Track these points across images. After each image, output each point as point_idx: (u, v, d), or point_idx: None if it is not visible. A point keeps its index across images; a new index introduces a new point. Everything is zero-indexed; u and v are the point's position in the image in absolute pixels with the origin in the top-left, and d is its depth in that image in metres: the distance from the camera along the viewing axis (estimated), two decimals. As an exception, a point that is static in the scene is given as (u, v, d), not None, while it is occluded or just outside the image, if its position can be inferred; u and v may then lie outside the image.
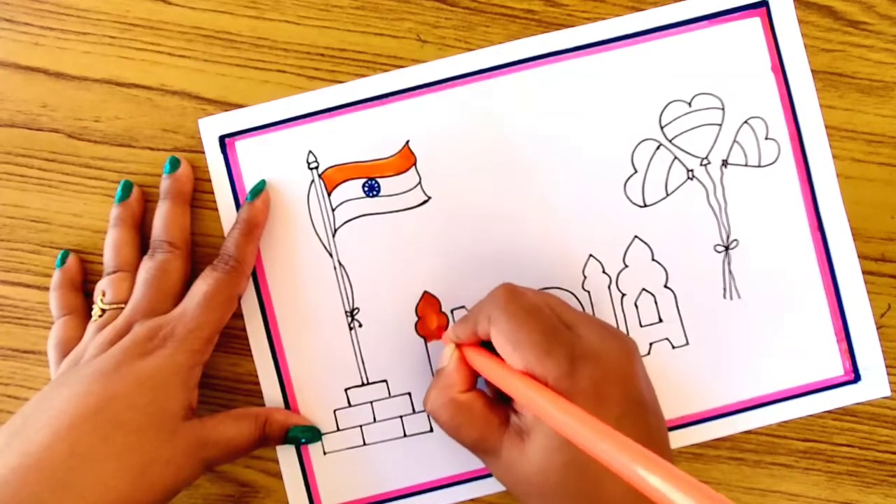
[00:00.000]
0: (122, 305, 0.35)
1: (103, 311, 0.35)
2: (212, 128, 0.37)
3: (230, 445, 0.33)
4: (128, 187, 0.37)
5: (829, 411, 0.37)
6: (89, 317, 0.36)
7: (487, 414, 0.31)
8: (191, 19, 0.37)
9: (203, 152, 0.37)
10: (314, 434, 0.36)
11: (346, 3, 0.37)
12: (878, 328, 0.37)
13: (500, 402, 0.32)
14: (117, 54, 0.37)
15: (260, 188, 0.36)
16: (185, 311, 0.33)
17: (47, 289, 0.37)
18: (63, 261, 0.37)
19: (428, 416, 0.37)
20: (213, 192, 0.37)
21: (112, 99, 0.37)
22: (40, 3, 0.37)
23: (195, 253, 0.37)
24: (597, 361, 0.29)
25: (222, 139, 0.37)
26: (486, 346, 0.32)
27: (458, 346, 0.33)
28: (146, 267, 0.35)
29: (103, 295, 0.35)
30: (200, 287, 0.34)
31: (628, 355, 0.31)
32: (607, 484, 0.29)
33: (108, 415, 0.30)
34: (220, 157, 0.37)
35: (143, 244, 0.37)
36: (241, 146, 0.37)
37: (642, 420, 0.30)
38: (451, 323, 0.37)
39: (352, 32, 0.37)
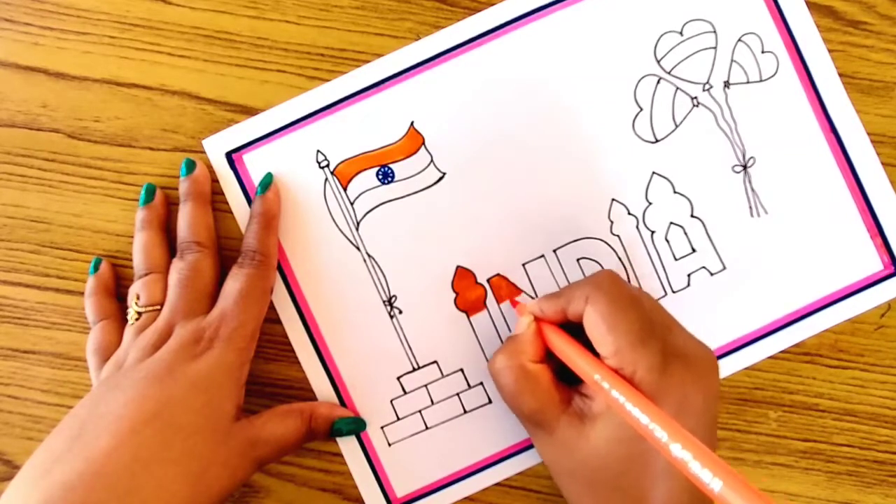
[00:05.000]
0: (158, 307, 0.35)
1: (139, 314, 0.35)
2: (217, 146, 0.37)
3: (279, 443, 0.34)
4: (151, 190, 0.37)
5: (871, 309, 0.37)
6: (125, 321, 0.36)
7: (551, 388, 0.31)
8: (191, 19, 0.37)
9: (203, 152, 0.37)
10: (359, 425, 0.36)
11: (346, 3, 0.37)
12: (877, 328, 0.37)
13: (564, 382, 0.32)
14: (117, 54, 0.37)
15: (268, 180, 0.36)
16: (224, 312, 0.33)
17: (47, 289, 0.37)
18: (96, 267, 0.37)
19: (485, 389, 0.37)
20: (223, 194, 0.37)
21: (112, 99, 0.37)
22: (40, 3, 0.37)
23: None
24: (687, 365, 0.29)
25: (229, 155, 0.37)
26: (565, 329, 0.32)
27: (537, 319, 0.33)
28: (178, 268, 0.35)
29: (137, 298, 0.35)
30: (233, 286, 0.34)
31: (714, 368, 0.31)
32: (659, 488, 0.29)
33: (167, 419, 0.30)
34: (231, 173, 0.37)
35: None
36: (249, 159, 0.37)
37: (710, 437, 0.30)
38: (488, 292, 0.37)
39: (352, 32, 0.37)
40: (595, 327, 0.30)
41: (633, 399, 0.27)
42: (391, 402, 0.37)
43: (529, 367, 0.31)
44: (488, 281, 0.37)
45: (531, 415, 0.31)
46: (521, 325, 0.33)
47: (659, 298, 0.37)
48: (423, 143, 0.37)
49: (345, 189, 0.37)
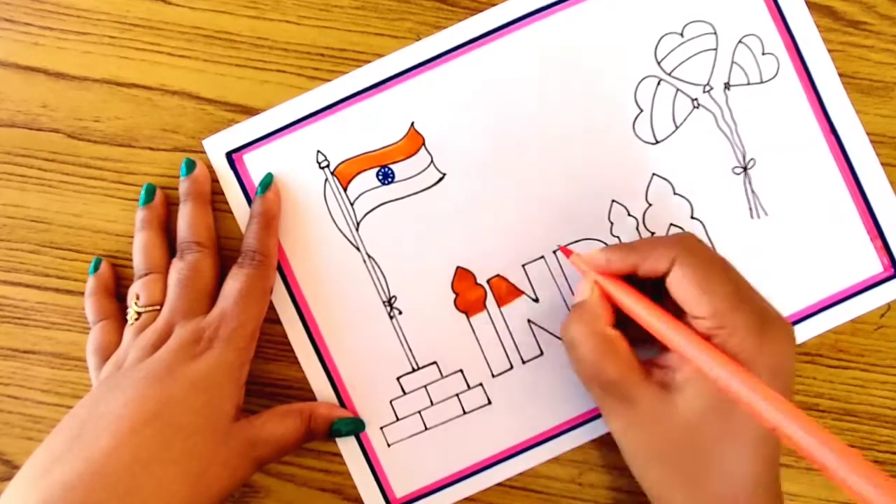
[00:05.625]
0: (157, 307, 0.35)
1: (139, 314, 0.35)
2: (217, 146, 0.37)
3: (279, 443, 0.34)
4: (151, 190, 0.37)
5: (866, 315, 0.37)
6: (125, 321, 0.36)
7: (630, 356, 0.30)
8: (191, 19, 0.37)
9: (204, 152, 0.37)
10: (358, 425, 0.36)
11: (346, 3, 0.37)
12: (877, 328, 0.37)
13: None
14: (117, 54, 0.37)
15: (268, 181, 0.36)
16: (224, 312, 0.33)
17: (47, 289, 0.37)
18: (96, 267, 0.37)
19: (484, 390, 0.37)
20: (223, 194, 0.37)
21: (112, 99, 0.37)
22: (40, 3, 0.37)
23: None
24: (779, 329, 0.29)
25: (229, 155, 0.37)
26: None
27: (599, 281, 0.31)
28: (178, 268, 0.35)
29: (137, 298, 0.35)
30: (233, 286, 0.34)
31: (794, 338, 0.30)
32: (753, 458, 0.29)
33: (167, 419, 0.30)
34: (231, 173, 0.37)
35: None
36: (249, 159, 0.37)
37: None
38: (488, 293, 0.37)
39: (352, 32, 0.37)
40: (685, 290, 0.29)
41: (725, 363, 0.26)
42: (391, 402, 0.37)
43: (608, 332, 0.30)
44: (488, 282, 0.37)
45: (612, 386, 0.30)
46: (585, 289, 0.32)
47: (659, 299, 0.37)
48: (424, 144, 0.37)
49: (345, 189, 0.37)
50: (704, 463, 0.29)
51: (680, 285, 0.29)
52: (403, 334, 0.37)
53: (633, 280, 0.31)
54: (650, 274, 0.30)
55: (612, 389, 0.30)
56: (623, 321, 0.31)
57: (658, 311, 0.29)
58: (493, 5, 0.37)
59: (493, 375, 0.37)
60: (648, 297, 0.30)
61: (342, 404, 0.37)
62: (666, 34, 0.37)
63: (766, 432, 0.29)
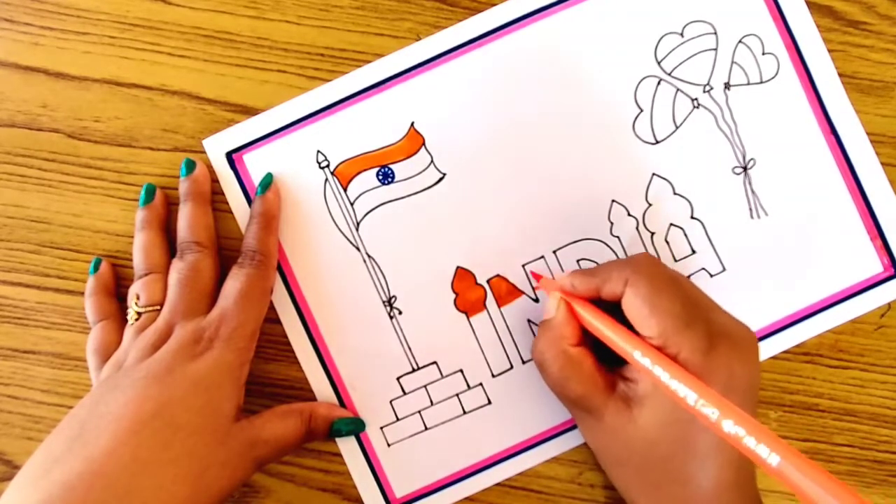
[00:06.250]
0: (158, 308, 0.35)
1: (139, 314, 0.35)
2: (217, 146, 0.37)
3: (279, 443, 0.34)
4: (151, 190, 0.37)
5: (869, 313, 0.37)
6: (125, 321, 0.36)
7: (595, 373, 0.31)
8: (191, 19, 0.37)
9: (204, 152, 0.37)
10: (358, 425, 0.36)
11: (346, 3, 0.37)
12: (877, 328, 0.37)
13: (606, 365, 0.32)
14: (117, 54, 0.37)
15: (268, 181, 0.36)
16: (224, 312, 0.33)
17: (47, 289, 0.37)
18: (97, 267, 0.37)
19: (484, 390, 0.37)
20: (223, 194, 0.37)
21: (112, 99, 0.37)
22: (40, 3, 0.37)
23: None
24: (732, 345, 0.29)
25: (229, 155, 0.37)
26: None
27: (566, 295, 0.32)
28: (178, 268, 0.35)
29: (137, 298, 0.35)
30: (233, 286, 0.34)
31: (756, 346, 0.31)
32: (706, 468, 0.29)
33: (167, 419, 0.30)
34: (231, 173, 0.37)
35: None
36: (249, 159, 0.37)
37: (754, 415, 0.30)
38: (488, 293, 0.37)
39: (352, 32, 0.37)
40: (637, 310, 0.29)
41: (679, 376, 0.26)
42: (390, 402, 0.37)
43: (571, 352, 0.31)
44: (488, 282, 0.37)
45: (577, 401, 0.31)
46: (551, 308, 0.32)
47: (659, 299, 0.37)
48: (424, 144, 0.37)
49: (345, 189, 0.37)
50: (665, 472, 0.29)
51: (632, 306, 0.30)
52: (403, 334, 0.37)
53: (611, 306, 0.31)
54: (610, 297, 0.31)
55: (578, 403, 0.31)
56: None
57: (614, 326, 0.30)
58: (493, 5, 0.37)
59: (493, 375, 0.37)
60: (611, 316, 0.30)
61: (342, 404, 0.37)
62: (666, 34, 0.37)
63: (724, 441, 0.29)
